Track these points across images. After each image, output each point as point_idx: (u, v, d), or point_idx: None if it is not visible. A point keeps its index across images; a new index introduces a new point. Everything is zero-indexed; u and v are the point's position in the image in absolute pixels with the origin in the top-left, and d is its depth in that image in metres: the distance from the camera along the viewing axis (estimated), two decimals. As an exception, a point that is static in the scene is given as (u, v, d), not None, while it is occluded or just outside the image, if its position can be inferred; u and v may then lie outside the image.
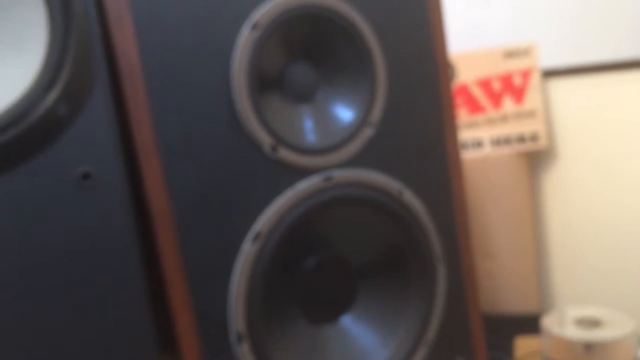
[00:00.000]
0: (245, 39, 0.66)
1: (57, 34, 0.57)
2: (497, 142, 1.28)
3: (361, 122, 0.74)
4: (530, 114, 1.27)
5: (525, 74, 1.27)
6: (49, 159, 0.57)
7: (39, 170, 0.57)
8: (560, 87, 1.28)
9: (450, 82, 0.81)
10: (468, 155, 1.28)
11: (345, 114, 0.74)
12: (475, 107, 1.31)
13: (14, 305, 0.57)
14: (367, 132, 0.75)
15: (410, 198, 0.78)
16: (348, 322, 0.78)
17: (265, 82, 0.70)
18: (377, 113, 0.75)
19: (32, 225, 0.57)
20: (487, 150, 1.29)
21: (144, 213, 0.65)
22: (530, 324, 1.16)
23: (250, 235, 0.68)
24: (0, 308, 0.56)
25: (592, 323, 0.89)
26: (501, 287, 1.27)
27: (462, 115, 1.31)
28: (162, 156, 0.64)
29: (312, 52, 0.73)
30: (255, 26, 0.67)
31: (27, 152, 0.56)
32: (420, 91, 0.79)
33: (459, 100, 1.31)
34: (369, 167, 0.75)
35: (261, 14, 0.67)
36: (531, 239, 1.28)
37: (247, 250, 0.68)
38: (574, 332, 0.87)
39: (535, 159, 1.32)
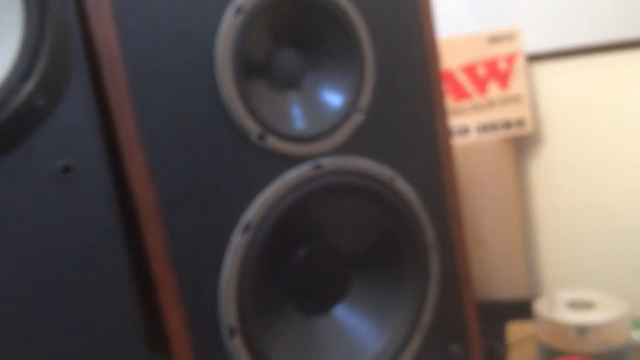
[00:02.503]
0: (229, 24, 0.64)
1: (33, 22, 0.54)
2: (484, 128, 1.28)
3: (350, 108, 0.72)
4: (516, 99, 1.26)
5: (510, 59, 1.27)
6: (27, 152, 0.55)
7: (16, 165, 0.54)
8: (546, 72, 1.28)
9: (440, 67, 0.80)
10: (455, 143, 1.27)
11: (333, 100, 0.72)
12: (460, 93, 1.30)
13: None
14: (357, 119, 0.73)
15: (402, 185, 0.76)
16: (341, 312, 0.76)
17: (251, 69, 0.68)
18: (366, 99, 0.74)
19: (10, 222, 0.55)
20: (474, 136, 1.28)
21: (129, 208, 0.63)
22: (520, 310, 1.16)
23: (239, 227, 0.66)
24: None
25: (585, 306, 0.89)
26: (490, 274, 1.27)
27: (448, 102, 1.30)
28: (146, 148, 0.62)
29: (299, 37, 0.71)
30: (239, 10, 0.65)
31: (4, 146, 0.54)
32: (409, 76, 0.77)
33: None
34: (359, 154, 0.74)
35: (245, -2, 0.65)
36: (519, 225, 1.28)
37: (237, 242, 0.66)
38: (567, 316, 0.86)
39: (522, 144, 1.32)
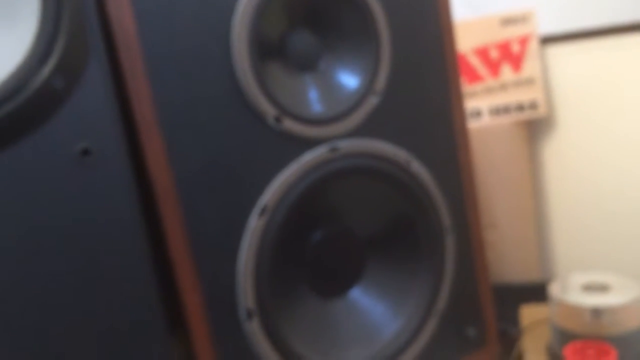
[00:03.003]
0: (245, 4, 0.64)
1: (50, 3, 0.54)
2: (496, 111, 1.27)
3: (366, 90, 0.72)
4: (529, 82, 1.25)
5: (523, 41, 1.25)
6: (47, 135, 0.55)
7: (36, 147, 0.54)
8: (559, 54, 1.27)
9: (455, 49, 0.79)
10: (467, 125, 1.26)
11: (349, 82, 0.72)
12: (473, 76, 1.29)
13: (16, 286, 0.54)
14: (373, 101, 0.73)
15: (418, 168, 0.76)
16: (357, 294, 0.77)
17: (266, 51, 0.67)
18: (382, 81, 0.73)
19: (31, 205, 0.55)
20: (486, 119, 1.27)
21: (147, 190, 0.63)
22: (533, 293, 1.15)
23: (256, 209, 0.66)
24: (2, 288, 0.54)
25: (600, 288, 0.89)
26: (503, 257, 1.27)
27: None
28: (164, 130, 0.62)
29: (314, 18, 0.70)
30: (255, -8, 0.64)
31: (23, 128, 0.54)
32: (425, 58, 0.77)
33: (456, 70, 1.29)
34: (375, 136, 0.73)
35: (261, -22, 0.64)
36: (532, 208, 1.27)
37: (254, 225, 0.66)
38: (581, 299, 0.86)
39: (535, 127, 1.30)
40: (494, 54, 1.27)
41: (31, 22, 0.54)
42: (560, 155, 1.29)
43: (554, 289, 0.90)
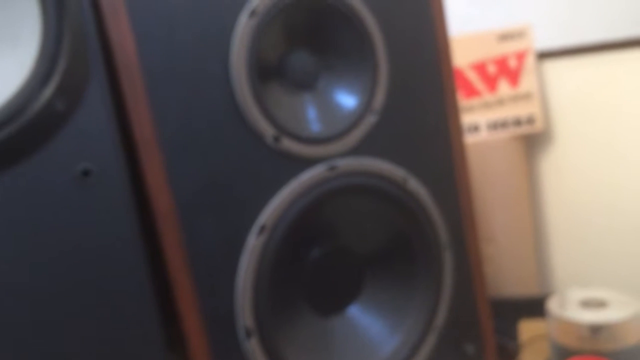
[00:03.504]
0: (243, 26, 0.64)
1: (51, 26, 0.55)
2: (494, 126, 1.28)
3: (364, 109, 0.73)
4: (526, 97, 1.26)
5: (520, 56, 1.26)
6: (48, 156, 0.55)
7: (37, 168, 0.55)
8: (556, 69, 1.28)
9: (452, 67, 0.80)
10: (465, 140, 1.27)
11: (347, 101, 0.73)
12: (470, 91, 1.30)
13: (15, 306, 0.55)
14: (370, 119, 0.74)
15: (415, 185, 0.76)
16: (356, 312, 0.77)
17: (265, 71, 0.68)
18: (379, 100, 0.74)
19: (32, 224, 0.55)
20: (484, 134, 1.28)
21: (146, 210, 0.63)
22: (531, 307, 1.15)
23: (255, 228, 0.67)
24: (1, 307, 0.54)
25: (598, 305, 0.89)
26: (501, 271, 1.27)
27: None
28: (164, 151, 0.62)
29: (312, 39, 0.71)
30: (253, 13, 0.65)
31: (25, 150, 0.54)
32: (422, 76, 0.78)
33: (454, 85, 1.30)
34: (373, 155, 0.74)
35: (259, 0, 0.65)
36: (530, 223, 1.28)
37: (253, 244, 0.66)
38: (580, 315, 0.86)
39: (532, 142, 1.31)
40: (491, 69, 1.28)
41: (32, 44, 0.55)
42: (558, 170, 1.30)
43: (552, 305, 0.90)
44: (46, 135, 0.55)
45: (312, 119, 0.71)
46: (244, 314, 0.66)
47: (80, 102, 0.57)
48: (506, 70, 1.27)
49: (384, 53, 0.74)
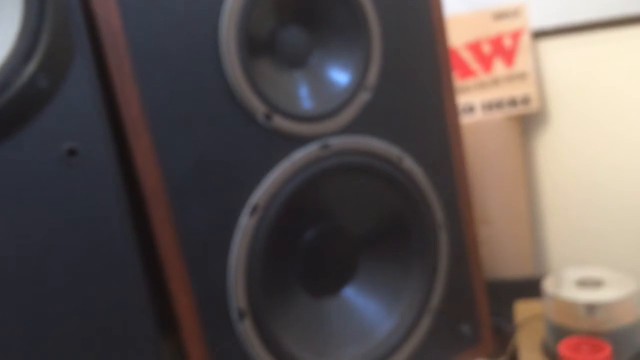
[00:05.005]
0: (233, 1, 0.63)
1: (33, 0, 0.53)
2: (489, 106, 1.26)
3: (357, 86, 0.71)
4: (522, 77, 1.25)
5: (515, 36, 1.25)
6: (32, 135, 0.54)
7: (20, 148, 0.53)
8: (551, 48, 1.26)
9: (447, 44, 0.78)
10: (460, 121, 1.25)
11: (340, 78, 0.71)
12: (465, 71, 1.28)
13: (0, 288, 0.53)
14: (364, 97, 0.72)
15: (410, 164, 0.75)
16: (351, 293, 0.76)
17: (255, 48, 0.66)
18: (373, 76, 0.72)
19: (15, 206, 0.54)
20: (479, 115, 1.27)
21: (135, 191, 0.62)
22: (527, 288, 1.15)
23: (247, 208, 0.65)
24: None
25: (594, 284, 0.88)
26: (497, 252, 1.26)
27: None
28: (152, 130, 0.61)
29: (304, 14, 0.69)
30: (243, -13, 0.63)
31: (7, 129, 0.52)
32: (416, 53, 0.76)
33: (449, 65, 1.28)
34: (367, 133, 0.73)
35: (249, -26, 0.63)
36: (525, 203, 1.27)
37: (245, 224, 0.65)
38: (576, 294, 0.86)
39: (528, 122, 1.30)
40: (486, 48, 1.27)
41: (14, 19, 0.53)
42: (554, 150, 1.29)
43: (548, 285, 0.89)
44: (29, 113, 0.53)
45: (304, 96, 0.69)
46: (237, 295, 0.65)
47: (64, 79, 0.55)
48: (501, 49, 1.26)
49: (378, 29, 0.72)
